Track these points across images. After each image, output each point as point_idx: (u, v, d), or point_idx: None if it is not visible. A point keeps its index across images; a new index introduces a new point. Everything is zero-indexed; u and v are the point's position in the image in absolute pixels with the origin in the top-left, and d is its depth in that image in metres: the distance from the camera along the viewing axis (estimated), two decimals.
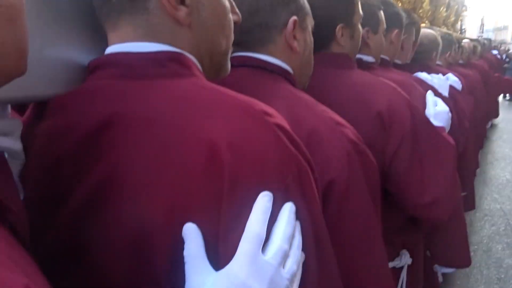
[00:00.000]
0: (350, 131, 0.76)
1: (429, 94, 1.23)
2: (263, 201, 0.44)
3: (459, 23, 5.42)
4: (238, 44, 0.78)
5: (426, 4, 3.39)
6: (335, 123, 0.75)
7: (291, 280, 0.44)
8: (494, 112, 4.61)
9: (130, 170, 0.45)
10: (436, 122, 1.17)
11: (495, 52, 6.96)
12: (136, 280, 0.44)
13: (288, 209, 0.46)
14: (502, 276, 2.74)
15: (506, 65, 10.62)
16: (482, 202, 3.79)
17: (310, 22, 0.89)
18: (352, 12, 1.07)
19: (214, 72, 0.61)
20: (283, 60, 0.81)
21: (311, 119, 0.73)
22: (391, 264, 1.20)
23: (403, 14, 1.51)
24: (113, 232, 0.44)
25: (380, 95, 1.02)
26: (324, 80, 1.05)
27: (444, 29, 2.91)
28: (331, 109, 1.04)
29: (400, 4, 2.04)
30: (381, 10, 1.29)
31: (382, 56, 1.43)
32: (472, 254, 2.54)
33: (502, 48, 10.25)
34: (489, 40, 6.54)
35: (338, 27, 1.05)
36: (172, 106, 0.47)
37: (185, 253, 0.42)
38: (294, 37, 0.82)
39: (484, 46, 4.84)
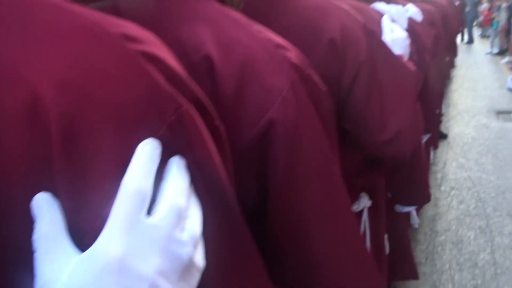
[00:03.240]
0: (293, 54, 0.64)
1: (385, 19, 1.13)
2: (145, 150, 0.32)
3: None
4: None
5: None
6: (274, 45, 0.62)
7: (194, 245, 0.33)
8: (453, 51, 4.58)
9: None
10: (394, 49, 1.07)
11: None
12: None
13: (176, 163, 0.35)
14: (479, 282, 2.11)
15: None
16: (447, 169, 3.42)
17: None
18: None
19: None
20: None
21: (245, 43, 0.60)
22: None
23: None
24: None
25: (332, 19, 0.90)
26: (267, 4, 0.92)
27: None
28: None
29: None
30: None
31: None
32: (439, 248, 2.34)
33: None
34: None
35: None
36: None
37: (36, 235, 0.29)
38: None
39: None
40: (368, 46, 0.91)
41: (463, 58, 8.58)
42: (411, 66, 0.99)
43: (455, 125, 4.52)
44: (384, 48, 0.95)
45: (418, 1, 2.63)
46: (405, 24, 1.62)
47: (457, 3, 6.06)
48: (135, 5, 0.64)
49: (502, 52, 8.73)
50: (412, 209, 1.54)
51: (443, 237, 2.50)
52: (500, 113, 4.80)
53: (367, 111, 0.92)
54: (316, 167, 0.62)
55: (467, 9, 11.06)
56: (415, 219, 1.91)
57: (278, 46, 0.63)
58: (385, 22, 1.12)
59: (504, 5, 8.25)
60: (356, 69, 0.89)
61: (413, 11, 1.81)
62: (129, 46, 0.35)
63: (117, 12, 0.64)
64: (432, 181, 3.16)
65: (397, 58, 0.96)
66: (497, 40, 9.12)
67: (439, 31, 2.47)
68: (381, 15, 1.18)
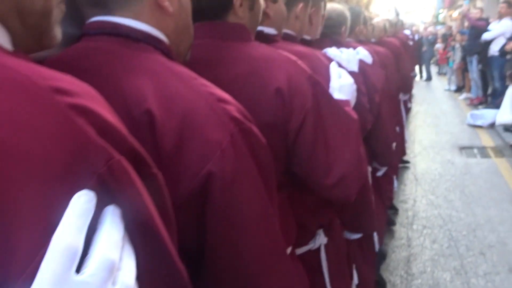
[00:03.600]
0: (234, 107, 0.66)
1: (333, 66, 1.19)
2: (78, 203, 0.32)
3: (372, 5, 5.64)
4: (96, 4, 0.66)
5: None
6: (216, 99, 0.64)
7: None
8: (408, 88, 4.81)
9: None
10: (340, 95, 1.12)
11: (408, 32, 7.38)
12: None
13: (110, 213, 0.35)
14: None
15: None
16: (417, 207, 3.43)
17: None
18: None
19: (33, 39, 0.47)
20: (153, 25, 0.69)
21: (186, 97, 0.62)
22: (305, 248, 1.15)
23: None
24: None
25: (278, 69, 0.94)
26: (215, 54, 0.95)
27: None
28: (224, 87, 0.93)
29: None
30: None
31: (287, 31, 1.38)
32: None
33: (414, 28, 11.02)
34: (401, 21, 6.93)
35: None
36: None
37: None
38: None
39: (397, 26, 5.07)
40: (314, 95, 0.95)
41: (423, 94, 8.99)
42: (353, 114, 1.04)
43: (422, 161, 4.62)
44: (328, 97, 1.00)
45: (370, 43, 2.80)
46: (356, 67, 1.72)
47: (410, 43, 6.44)
48: (79, 55, 0.66)
49: (459, 89, 9.22)
50: (358, 237, 1.58)
51: (419, 280, 2.48)
52: (463, 148, 5.00)
53: (313, 156, 0.96)
54: (254, 218, 0.64)
55: (424, 48, 11.73)
56: (376, 244, 1.97)
57: (220, 100, 0.65)
58: (333, 69, 1.18)
59: (457, 45, 8.79)
60: (303, 116, 0.93)
61: (364, 54, 1.92)
62: (58, 99, 0.35)
63: (61, 62, 0.66)
64: (403, 220, 3.23)
65: (341, 107, 1.01)
66: (453, 78, 9.65)
67: (391, 72, 2.61)
68: (330, 61, 1.25)
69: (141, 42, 0.67)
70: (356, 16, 2.33)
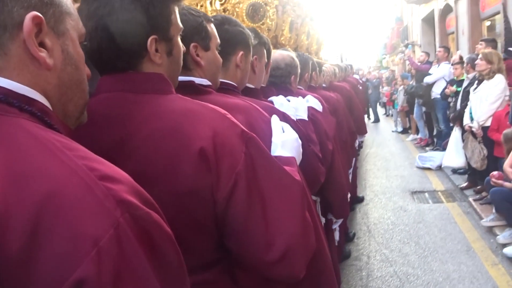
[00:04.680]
0: (125, 187, 0.49)
1: (274, 120, 1.03)
2: None
3: (321, 51, 5.75)
4: None
5: (286, 32, 3.41)
6: (99, 176, 0.48)
7: None
8: (362, 130, 4.82)
9: None
10: (284, 152, 0.96)
11: (357, 76, 7.65)
12: None
13: None
14: None
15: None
16: (371, 265, 3.17)
17: (76, 26, 0.63)
18: (167, 21, 0.83)
19: None
20: (23, 81, 0.54)
21: (52, 174, 0.46)
22: None
23: (249, 33, 1.33)
24: None
25: (202, 125, 0.78)
26: (125, 109, 0.79)
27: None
28: (138, 148, 0.76)
29: (260, 31, 1.95)
30: (210, 23, 1.07)
31: (225, 80, 1.22)
32: None
33: (361, 72, 11.57)
34: (351, 65, 7.21)
35: (150, 40, 0.80)
36: None
37: None
38: (43, 45, 0.56)
39: (346, 71, 5.17)
40: (247, 154, 0.79)
41: (372, 136, 9.20)
42: (296, 174, 0.88)
43: (374, 209, 4.48)
44: (265, 155, 0.84)
45: (321, 89, 2.74)
46: (305, 114, 1.58)
47: (360, 87, 6.62)
48: None
49: (405, 131, 9.56)
50: None
51: None
52: (414, 193, 4.98)
53: (249, 227, 0.78)
54: None
55: (370, 91, 12.22)
56: None
57: (103, 177, 0.48)
58: (274, 123, 1.02)
59: (400, 88, 9.16)
60: (233, 181, 0.77)
61: (313, 101, 1.81)
62: None
63: None
64: (357, 281, 2.98)
65: (281, 167, 0.86)
66: (399, 119, 10.01)
67: (343, 116, 2.53)
68: (272, 113, 1.08)
69: (2, 103, 0.52)
70: (305, 63, 2.26)
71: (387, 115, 13.24)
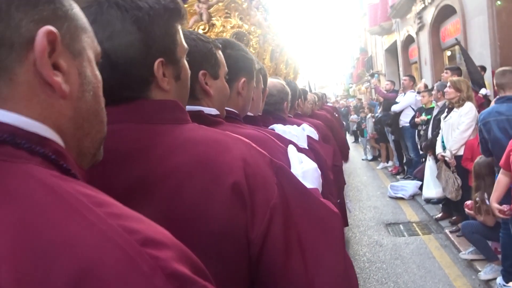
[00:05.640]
0: (173, 253, 0.40)
1: (291, 150, 0.97)
2: None
3: (297, 80, 5.83)
4: None
5: (267, 61, 3.42)
6: (140, 241, 0.38)
7: None
8: (346, 157, 4.82)
9: None
10: (306, 183, 0.89)
11: (330, 104, 7.80)
12: None
13: None
14: None
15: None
16: None
17: (92, 44, 0.54)
18: (173, 41, 0.75)
19: None
20: (31, 115, 0.44)
21: (81, 245, 0.36)
22: None
23: (252, 58, 1.27)
24: None
25: (231, 155, 0.70)
26: (144, 144, 0.70)
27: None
28: (161, 185, 0.67)
29: None
30: (219, 50, 1.01)
31: (228, 108, 1.15)
32: None
33: (329, 101, 11.86)
34: (325, 94, 7.35)
35: (157, 63, 0.72)
36: None
37: None
38: (57, 67, 0.46)
39: (323, 99, 5.26)
40: (279, 186, 0.72)
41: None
42: (332, 207, 0.80)
43: (348, 244, 4.22)
44: (298, 186, 0.77)
45: (306, 117, 2.73)
46: (305, 144, 1.53)
47: (336, 114, 6.70)
48: None
49: (375, 158, 9.70)
50: None
51: None
52: (388, 225, 4.88)
53: (287, 269, 0.69)
54: None
55: None
56: None
57: (146, 241, 0.38)
58: (292, 153, 0.95)
59: (369, 115, 9.36)
60: (268, 216, 0.69)
61: (310, 130, 1.77)
62: None
63: None
64: None
65: (316, 197, 0.78)
66: (369, 147, 10.18)
67: (334, 145, 2.51)
68: (284, 142, 1.02)
69: (7, 146, 0.41)
70: (295, 90, 2.24)
71: (357, 143, 13.47)
